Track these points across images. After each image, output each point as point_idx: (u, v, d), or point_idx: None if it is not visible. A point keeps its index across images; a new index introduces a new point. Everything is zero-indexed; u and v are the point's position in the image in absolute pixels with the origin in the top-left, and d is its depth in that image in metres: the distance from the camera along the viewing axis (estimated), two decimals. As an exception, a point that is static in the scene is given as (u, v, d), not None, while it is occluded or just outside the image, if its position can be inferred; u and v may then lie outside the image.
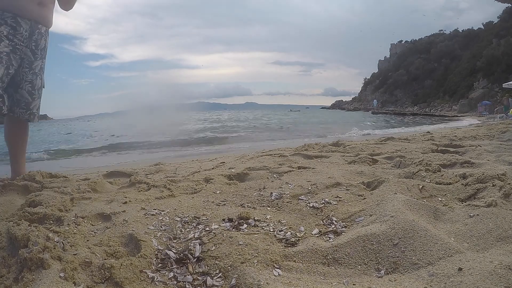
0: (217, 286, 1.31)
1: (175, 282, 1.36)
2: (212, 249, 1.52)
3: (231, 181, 2.89)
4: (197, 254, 1.50)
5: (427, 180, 2.41)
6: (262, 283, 1.24)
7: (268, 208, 2.12)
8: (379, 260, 1.40)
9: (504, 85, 22.45)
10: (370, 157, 3.67)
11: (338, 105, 74.72)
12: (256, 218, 1.89)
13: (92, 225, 1.96)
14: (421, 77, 47.67)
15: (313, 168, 3.20)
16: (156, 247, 1.57)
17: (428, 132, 8.72)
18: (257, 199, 2.29)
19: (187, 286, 1.33)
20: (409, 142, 5.36)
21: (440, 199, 2.06)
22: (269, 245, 1.55)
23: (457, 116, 27.32)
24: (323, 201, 2.10)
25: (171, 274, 1.40)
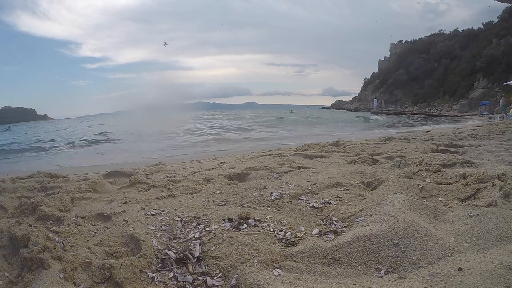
0: (217, 286, 1.31)
1: (175, 282, 1.36)
2: (212, 249, 1.53)
3: (231, 181, 2.89)
4: (197, 254, 1.50)
5: (427, 180, 2.42)
6: (262, 283, 1.24)
7: (268, 208, 2.12)
8: (379, 260, 1.40)
9: (504, 84, 22.47)
10: (370, 157, 3.67)
11: (338, 105, 74.57)
12: (256, 218, 1.89)
13: (92, 225, 1.97)
14: (421, 77, 47.66)
15: (313, 168, 3.20)
16: (156, 247, 1.57)
17: (428, 131, 8.73)
18: (257, 199, 2.29)
19: (187, 286, 1.33)
20: (409, 142, 5.36)
21: (440, 199, 2.06)
22: (269, 245, 1.55)
23: (457, 116, 27.28)
24: (323, 201, 2.10)
25: (171, 274, 1.40)
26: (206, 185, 2.74)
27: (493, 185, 2.01)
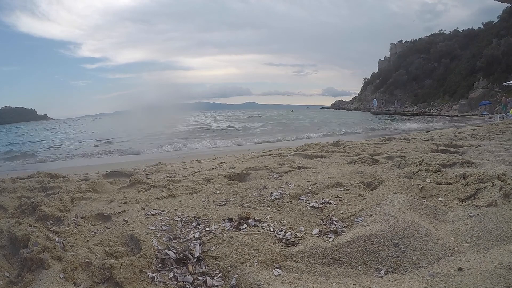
0: (217, 286, 1.31)
1: (175, 282, 1.36)
2: (212, 249, 1.53)
3: (231, 181, 2.90)
4: (197, 254, 1.50)
5: (427, 180, 2.41)
6: (262, 283, 1.24)
7: (268, 208, 2.12)
8: (379, 260, 1.40)
9: (505, 84, 22.49)
10: (370, 157, 3.67)
11: (338, 105, 74.63)
12: (256, 218, 1.89)
13: (92, 225, 1.97)
14: (421, 77, 47.69)
15: (313, 168, 3.20)
16: (156, 247, 1.57)
17: (428, 131, 8.74)
18: (257, 199, 2.29)
19: (187, 286, 1.33)
20: (409, 142, 5.36)
21: (440, 199, 2.06)
22: (269, 245, 1.55)
23: (456, 115, 27.25)
24: (323, 201, 2.10)
25: (171, 274, 1.40)
26: (206, 185, 2.74)
27: (493, 185, 2.01)
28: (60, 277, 1.30)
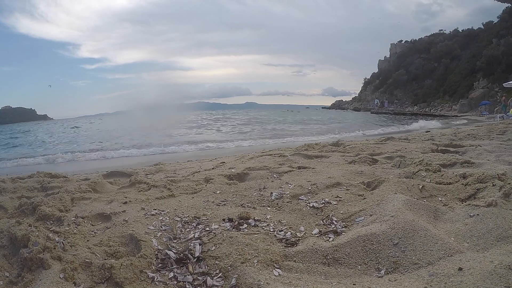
0: (217, 286, 1.31)
1: (175, 282, 1.36)
2: (212, 249, 1.53)
3: (231, 181, 2.90)
4: (197, 254, 1.50)
5: (427, 180, 2.41)
6: (262, 283, 1.24)
7: (268, 208, 2.12)
8: (379, 260, 1.40)
9: (505, 84, 22.46)
10: (370, 157, 3.67)
11: (338, 105, 74.47)
12: (256, 218, 1.89)
13: (92, 225, 1.97)
14: (421, 77, 47.66)
15: (313, 168, 3.20)
16: (156, 247, 1.57)
17: (428, 131, 8.74)
18: (257, 199, 2.29)
19: (187, 286, 1.33)
20: (409, 142, 5.36)
21: (440, 199, 2.06)
22: (269, 245, 1.55)
23: (457, 116, 27.19)
24: (323, 201, 2.10)
25: (171, 274, 1.40)
26: (206, 185, 2.74)
27: (493, 185, 2.01)
28: (60, 277, 1.30)
